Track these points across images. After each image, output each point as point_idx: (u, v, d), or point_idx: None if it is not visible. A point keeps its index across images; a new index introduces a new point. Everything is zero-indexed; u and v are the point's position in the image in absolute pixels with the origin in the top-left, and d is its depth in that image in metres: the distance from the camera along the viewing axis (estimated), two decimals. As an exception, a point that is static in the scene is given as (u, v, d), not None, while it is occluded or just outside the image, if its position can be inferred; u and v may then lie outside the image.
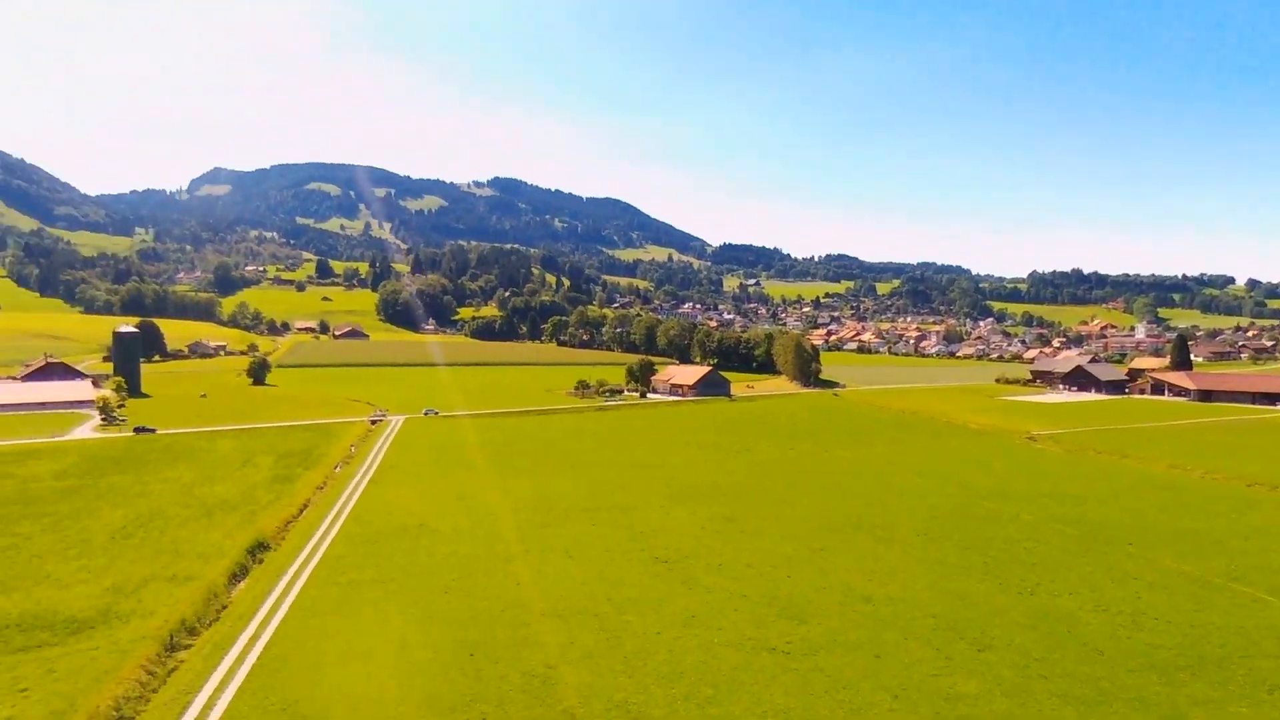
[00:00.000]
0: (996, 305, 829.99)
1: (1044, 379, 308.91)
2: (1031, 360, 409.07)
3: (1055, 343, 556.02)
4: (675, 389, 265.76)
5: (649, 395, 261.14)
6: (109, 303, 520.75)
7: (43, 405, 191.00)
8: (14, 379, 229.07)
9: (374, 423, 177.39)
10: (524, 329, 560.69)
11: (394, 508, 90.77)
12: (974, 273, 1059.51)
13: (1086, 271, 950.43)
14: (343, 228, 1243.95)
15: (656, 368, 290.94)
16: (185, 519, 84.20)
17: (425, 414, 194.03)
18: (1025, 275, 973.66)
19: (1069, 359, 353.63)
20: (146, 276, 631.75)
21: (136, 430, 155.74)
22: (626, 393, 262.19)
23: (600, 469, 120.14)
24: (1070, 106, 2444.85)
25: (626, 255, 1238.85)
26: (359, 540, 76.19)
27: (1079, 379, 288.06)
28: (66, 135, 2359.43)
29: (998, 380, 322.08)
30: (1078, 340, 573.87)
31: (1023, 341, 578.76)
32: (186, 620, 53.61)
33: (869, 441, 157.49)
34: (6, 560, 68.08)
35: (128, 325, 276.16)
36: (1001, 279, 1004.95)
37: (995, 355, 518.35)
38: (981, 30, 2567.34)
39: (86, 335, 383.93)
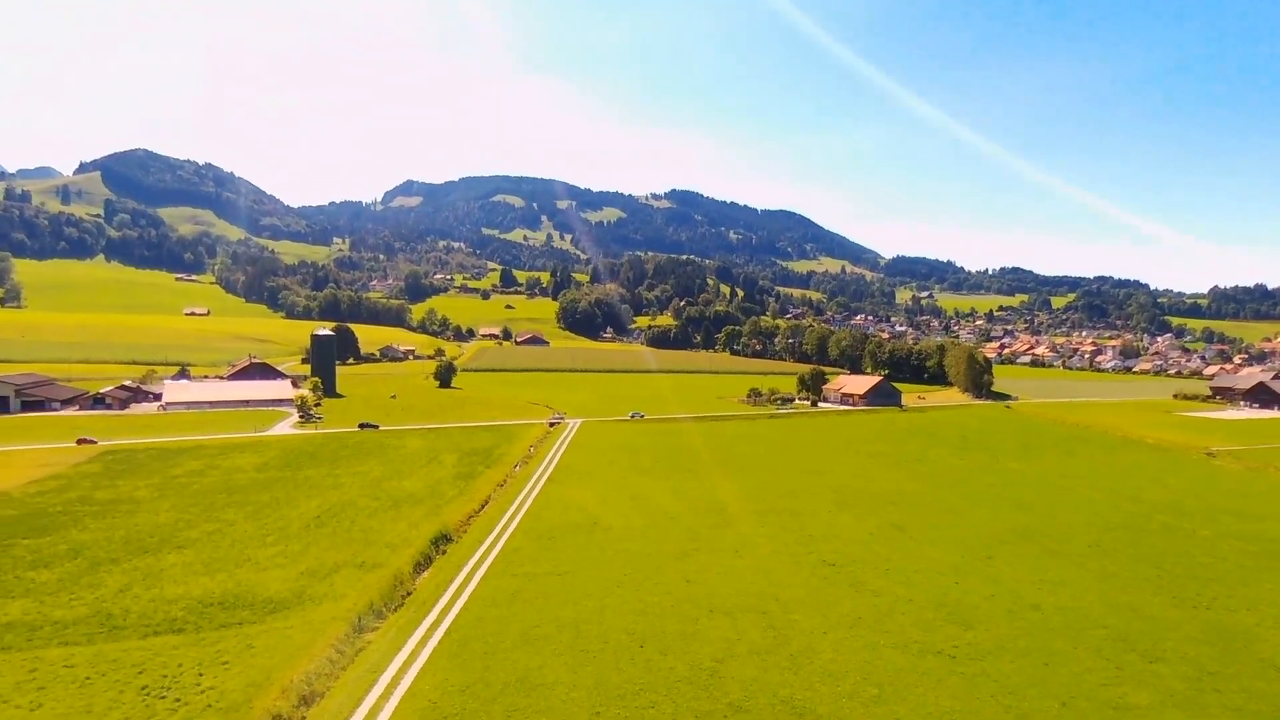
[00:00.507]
0: (1175, 321, 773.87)
1: (1224, 395, 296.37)
2: (1211, 377, 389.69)
3: (1236, 359, 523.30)
4: (846, 398, 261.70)
5: (820, 404, 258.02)
6: (308, 308, 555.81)
7: (246, 403, 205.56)
8: (221, 378, 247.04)
9: (552, 425, 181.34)
10: (698, 338, 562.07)
11: (570, 506, 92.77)
12: (1153, 287, 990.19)
13: (1271, 287, 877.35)
14: (526, 238, 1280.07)
15: (828, 377, 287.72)
16: (374, 510, 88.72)
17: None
18: (1206, 291, 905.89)
19: (1251, 375, 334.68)
20: (342, 284, 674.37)
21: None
22: (798, 401, 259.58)
23: (770, 474, 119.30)
24: (1248, 119, 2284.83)
25: (800, 267, 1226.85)
26: (536, 535, 78.22)
27: (1261, 395, 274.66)
28: (273, 150, 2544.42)
29: (1175, 396, 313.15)
30: (1260, 357, 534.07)
31: (1202, 358, 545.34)
32: (374, 604, 56.26)
33: (1041, 454, 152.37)
34: (212, 544, 73.52)
35: (325, 329, 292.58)
36: (1181, 294, 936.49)
37: (1173, 371, 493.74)
38: (1164, 46, 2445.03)
39: (287, 338, 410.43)
